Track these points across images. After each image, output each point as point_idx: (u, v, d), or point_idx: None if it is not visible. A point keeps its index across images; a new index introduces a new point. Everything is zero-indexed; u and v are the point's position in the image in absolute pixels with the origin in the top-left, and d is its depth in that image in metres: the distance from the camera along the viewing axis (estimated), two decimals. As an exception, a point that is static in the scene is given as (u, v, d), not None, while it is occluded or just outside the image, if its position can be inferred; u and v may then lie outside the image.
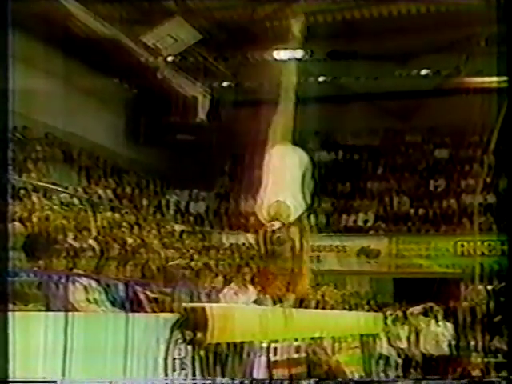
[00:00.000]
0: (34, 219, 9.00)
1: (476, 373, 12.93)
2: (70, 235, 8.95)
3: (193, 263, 11.23)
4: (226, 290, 9.19)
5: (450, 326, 13.56)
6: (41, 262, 7.68)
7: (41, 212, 9.63)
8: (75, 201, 12.64)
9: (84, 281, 7.43)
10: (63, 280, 6.95)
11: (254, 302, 9.58)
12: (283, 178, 4.99)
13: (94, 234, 9.65)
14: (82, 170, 16.21)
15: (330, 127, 20.10)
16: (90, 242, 9.08)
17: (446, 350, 13.28)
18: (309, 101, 21.35)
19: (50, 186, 12.58)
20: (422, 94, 19.55)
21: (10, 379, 4.82)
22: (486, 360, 13.47)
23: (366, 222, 18.64)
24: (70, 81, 15.93)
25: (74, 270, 7.78)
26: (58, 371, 6.08)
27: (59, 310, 6.46)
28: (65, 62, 15.80)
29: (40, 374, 5.56)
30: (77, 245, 8.52)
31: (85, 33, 15.59)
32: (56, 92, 15.28)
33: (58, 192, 12.44)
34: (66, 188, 13.54)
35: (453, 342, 13.56)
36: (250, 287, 9.50)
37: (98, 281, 7.64)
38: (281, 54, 19.01)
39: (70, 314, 6.42)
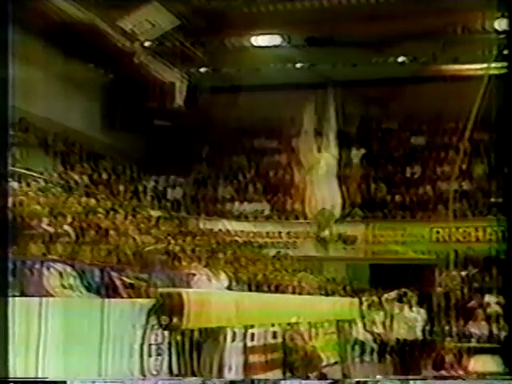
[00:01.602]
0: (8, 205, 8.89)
1: (449, 357, 13.09)
2: (45, 221, 8.88)
3: (169, 249, 11.21)
4: (198, 276, 9.18)
5: (423, 311, 13.71)
6: (15, 247, 7.61)
7: (15, 197, 9.53)
8: (50, 186, 12.54)
9: (59, 266, 7.38)
10: (37, 265, 6.89)
11: (227, 288, 9.60)
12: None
13: (70, 219, 9.57)
14: (58, 156, 16.06)
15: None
16: (65, 227, 9.02)
17: (419, 334, 13.43)
18: (286, 87, 21.38)
19: (25, 171, 12.45)
20: (399, 81, 19.62)
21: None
22: (459, 345, 13.64)
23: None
24: (46, 66, 15.76)
25: (49, 256, 7.72)
26: (32, 357, 6.05)
27: (34, 296, 6.41)
28: (40, 46, 15.61)
29: (13, 360, 5.52)
30: (52, 230, 8.45)
31: (61, 17, 15.40)
32: (31, 77, 15.09)
33: (33, 177, 12.32)
34: (41, 173, 13.42)
35: (427, 327, 13.72)
36: (223, 273, 9.51)
37: (72, 266, 7.59)
38: (258, 40, 19.04)
39: (44, 299, 6.38)
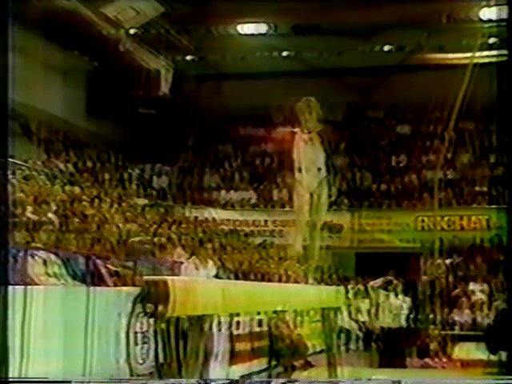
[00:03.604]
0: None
1: (434, 345, 13.17)
2: (29, 209, 8.81)
3: (155, 237, 11.17)
4: (186, 264, 9.17)
5: (408, 299, 13.77)
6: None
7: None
8: (34, 174, 12.44)
9: (43, 254, 7.32)
10: (22, 254, 6.83)
11: (215, 276, 9.58)
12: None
13: (54, 207, 9.50)
14: (42, 144, 15.94)
15: (293, 102, 20.02)
16: (50, 215, 8.95)
17: (404, 322, 13.49)
18: (272, 75, 21.27)
19: (8, 159, 12.31)
20: (385, 69, 19.63)
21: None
22: (443, 332, 13.73)
23: (328, 196, 18.68)
24: (30, 53, 15.57)
25: (33, 244, 7.65)
26: (17, 346, 6.01)
27: (18, 284, 6.36)
28: (24, 33, 15.42)
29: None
30: (36, 218, 8.39)
31: (44, 4, 15.24)
32: (14, 64, 14.92)
33: (17, 165, 12.21)
34: (25, 161, 13.31)
35: (412, 315, 13.79)
36: (211, 262, 9.50)
37: (57, 254, 7.53)
38: (244, 28, 18.96)
39: (29, 287, 6.33)
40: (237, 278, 11.66)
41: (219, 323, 8.79)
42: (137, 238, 10.26)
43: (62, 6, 15.58)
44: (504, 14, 12.49)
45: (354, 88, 20.55)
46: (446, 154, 16.54)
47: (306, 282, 9.70)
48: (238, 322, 9.75)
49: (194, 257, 9.40)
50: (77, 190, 12.70)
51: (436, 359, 12.84)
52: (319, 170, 6.48)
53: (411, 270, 15.93)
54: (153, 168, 19.66)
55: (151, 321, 7.04)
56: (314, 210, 6.59)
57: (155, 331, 7.12)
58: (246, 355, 10.01)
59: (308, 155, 6.41)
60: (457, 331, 14.18)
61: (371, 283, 14.36)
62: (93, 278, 7.60)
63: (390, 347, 13.09)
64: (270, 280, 12.58)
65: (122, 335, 7.24)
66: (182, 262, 9.53)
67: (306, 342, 11.62)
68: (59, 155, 16.10)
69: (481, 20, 17.05)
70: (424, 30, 18.19)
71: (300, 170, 6.47)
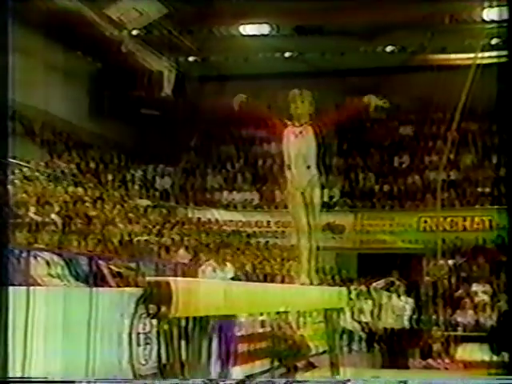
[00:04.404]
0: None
1: (437, 346, 13.16)
2: (32, 210, 8.82)
3: (158, 238, 11.19)
4: (204, 266, 9.16)
5: (411, 300, 13.75)
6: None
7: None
8: (37, 175, 12.46)
9: (46, 255, 7.33)
10: (24, 254, 6.84)
11: (232, 278, 9.58)
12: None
13: (57, 208, 9.52)
14: (45, 145, 15.97)
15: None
16: (53, 216, 8.96)
17: (407, 323, 13.48)
18: (274, 76, 21.31)
19: (11, 160, 12.35)
20: (387, 70, 19.62)
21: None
22: (446, 333, 13.72)
23: (331, 197, 18.72)
24: (33, 54, 15.61)
25: (36, 245, 7.66)
26: (20, 347, 6.02)
27: (20, 285, 6.37)
28: (26, 34, 15.47)
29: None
30: (39, 219, 8.40)
31: (47, 5, 15.27)
32: (17, 65, 14.93)
33: (19, 166, 12.24)
34: (28, 162, 13.34)
35: (414, 316, 13.78)
36: (229, 264, 9.47)
37: (60, 255, 7.55)
38: (246, 29, 18.98)
39: (32, 288, 6.34)
40: (239, 278, 11.66)
41: (222, 324, 8.79)
42: (140, 239, 10.27)
43: (64, 7, 15.60)
44: (506, 15, 12.48)
45: (356, 89, 20.51)
46: (449, 154, 16.53)
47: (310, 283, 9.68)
48: (241, 323, 9.75)
49: (211, 260, 9.35)
50: (80, 190, 12.72)
51: (439, 360, 12.83)
52: (309, 167, 6.09)
53: (414, 270, 15.92)
54: (155, 169, 19.68)
55: (154, 322, 7.03)
56: (309, 211, 6.21)
57: (158, 332, 7.12)
58: (249, 356, 10.01)
59: (298, 150, 6.04)
60: (460, 332, 14.17)
61: (374, 284, 14.34)
62: (95, 279, 7.60)
63: (392, 348, 13.08)
64: (272, 281, 12.58)
65: (125, 336, 7.23)
66: (184, 263, 9.55)
67: (309, 343, 11.61)
68: (62, 156, 16.13)
69: (483, 21, 17.05)
70: (427, 31, 18.19)
71: (289, 168, 6.14)
